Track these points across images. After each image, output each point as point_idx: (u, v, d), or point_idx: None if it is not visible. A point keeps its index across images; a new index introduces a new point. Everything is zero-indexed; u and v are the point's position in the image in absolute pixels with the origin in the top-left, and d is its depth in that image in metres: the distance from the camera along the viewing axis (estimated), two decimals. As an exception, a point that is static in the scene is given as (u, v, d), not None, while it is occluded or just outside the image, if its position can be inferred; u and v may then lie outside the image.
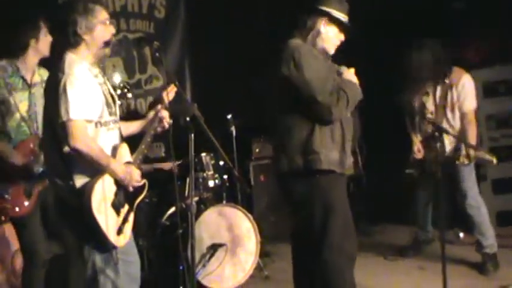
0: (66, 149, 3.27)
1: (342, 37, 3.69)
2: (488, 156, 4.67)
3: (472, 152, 4.85)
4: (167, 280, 5.09)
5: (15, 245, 4.58)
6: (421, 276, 5.21)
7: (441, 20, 6.55)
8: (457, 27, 6.53)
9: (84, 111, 3.24)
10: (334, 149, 3.56)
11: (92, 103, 3.30)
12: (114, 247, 3.35)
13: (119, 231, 3.38)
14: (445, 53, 5.17)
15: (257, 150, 6.66)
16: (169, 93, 3.76)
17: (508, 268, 5.08)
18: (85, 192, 3.25)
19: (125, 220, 3.43)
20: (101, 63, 3.60)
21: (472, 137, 5.07)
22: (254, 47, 6.63)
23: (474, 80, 6.31)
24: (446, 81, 5.15)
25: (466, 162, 4.87)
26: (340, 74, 3.66)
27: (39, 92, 4.26)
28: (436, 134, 4.17)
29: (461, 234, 6.13)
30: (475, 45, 6.62)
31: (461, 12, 6.60)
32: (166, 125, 3.71)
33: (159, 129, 3.68)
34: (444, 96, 5.18)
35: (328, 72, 3.56)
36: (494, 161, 4.60)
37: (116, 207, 3.39)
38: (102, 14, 3.40)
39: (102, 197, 3.28)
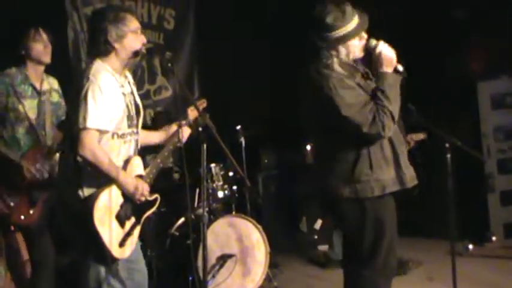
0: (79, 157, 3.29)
1: (362, 36, 3.35)
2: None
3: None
4: (176, 291, 5.11)
5: (24, 254, 4.57)
6: (430, 288, 5.23)
7: (447, 33, 6.58)
8: (463, 39, 6.55)
9: (100, 121, 3.21)
10: (388, 168, 3.31)
11: (111, 114, 3.28)
12: (115, 259, 3.32)
13: (122, 243, 3.34)
14: None
15: (266, 161, 6.68)
16: (194, 110, 3.73)
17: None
18: (89, 202, 3.23)
19: (129, 233, 3.40)
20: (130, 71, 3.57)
21: None
22: (263, 58, 6.66)
23: (482, 92, 6.36)
24: None
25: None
26: (373, 48, 3.33)
27: (48, 100, 4.28)
28: (447, 144, 4.18)
29: (471, 246, 6.13)
30: (482, 56, 6.63)
31: (466, 24, 6.62)
32: (183, 141, 3.69)
33: (178, 144, 3.67)
34: None
35: (364, 96, 3.27)
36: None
37: (121, 219, 3.36)
38: (133, 23, 3.36)
39: (106, 208, 3.26)
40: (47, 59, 4.26)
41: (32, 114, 4.19)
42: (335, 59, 3.31)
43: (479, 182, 6.52)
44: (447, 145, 4.20)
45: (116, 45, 3.33)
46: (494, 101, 6.54)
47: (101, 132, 3.25)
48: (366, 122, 3.19)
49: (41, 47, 4.22)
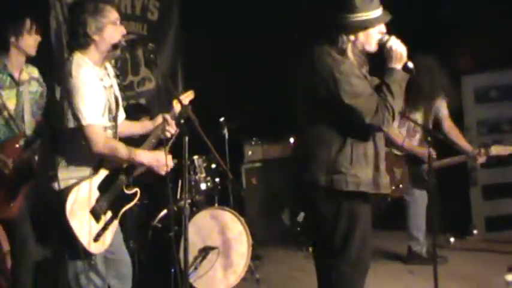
0: (60, 149, 3.31)
1: (381, 28, 3.30)
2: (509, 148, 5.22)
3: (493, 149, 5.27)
4: (158, 283, 5.09)
5: (5, 246, 4.55)
6: (411, 281, 5.24)
7: (431, 26, 6.59)
8: (448, 33, 6.57)
9: (95, 114, 3.25)
10: (366, 168, 3.31)
11: (96, 107, 3.30)
12: (89, 254, 3.33)
13: (96, 238, 3.34)
14: (440, 69, 5.42)
15: (249, 153, 6.68)
16: (183, 101, 3.72)
17: (497, 273, 5.10)
18: (63, 195, 3.24)
19: (105, 228, 3.40)
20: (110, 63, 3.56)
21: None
22: (248, 50, 6.64)
23: (466, 85, 6.38)
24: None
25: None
26: (384, 43, 3.27)
27: (26, 90, 4.24)
28: (429, 139, 4.20)
29: (452, 239, 6.17)
30: (465, 51, 6.65)
31: (451, 18, 6.63)
32: (169, 135, 3.63)
33: (161, 136, 3.65)
34: (430, 109, 5.54)
35: (370, 87, 3.27)
36: None
37: (96, 213, 3.36)
38: (112, 14, 3.34)
39: (79, 202, 3.27)
40: (33, 52, 4.24)
41: (11, 105, 4.16)
42: (350, 46, 3.28)
43: (462, 176, 6.55)
44: (429, 139, 4.23)
45: (95, 38, 3.32)
46: (478, 95, 6.56)
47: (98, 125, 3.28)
48: (370, 112, 3.19)
49: (33, 41, 4.20)
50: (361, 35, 3.27)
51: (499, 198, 6.50)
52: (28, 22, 4.17)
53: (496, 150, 5.26)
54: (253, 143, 6.74)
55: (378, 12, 3.27)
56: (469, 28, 6.42)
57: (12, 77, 4.19)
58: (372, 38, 3.28)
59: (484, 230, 6.49)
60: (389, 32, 3.32)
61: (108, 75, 3.52)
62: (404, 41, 3.30)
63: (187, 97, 3.94)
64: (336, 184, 3.27)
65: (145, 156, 3.38)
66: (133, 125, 3.82)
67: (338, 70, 3.20)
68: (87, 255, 3.31)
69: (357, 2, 3.23)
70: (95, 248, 3.33)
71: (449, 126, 5.62)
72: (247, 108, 6.58)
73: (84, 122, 3.20)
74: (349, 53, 3.27)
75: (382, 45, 3.29)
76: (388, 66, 3.29)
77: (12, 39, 4.16)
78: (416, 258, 5.62)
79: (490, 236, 6.35)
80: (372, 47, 3.30)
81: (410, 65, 3.28)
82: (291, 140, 6.60)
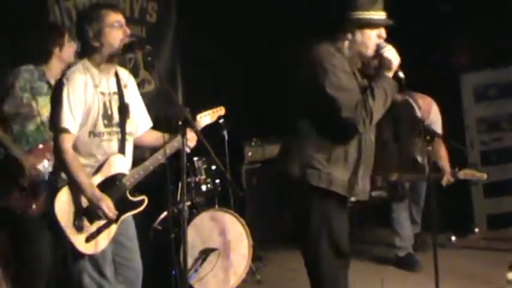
0: None
1: (381, 32, 3.31)
2: (478, 174, 5.29)
3: (461, 172, 5.36)
4: (159, 285, 5.08)
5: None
6: (413, 280, 5.24)
7: (431, 24, 6.59)
8: (447, 31, 6.57)
9: (70, 122, 3.30)
10: (343, 171, 3.31)
11: (80, 113, 3.32)
12: (81, 253, 3.35)
13: (89, 239, 3.35)
14: None
15: (249, 154, 6.67)
16: (207, 116, 3.86)
17: (499, 271, 5.09)
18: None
19: (99, 230, 3.40)
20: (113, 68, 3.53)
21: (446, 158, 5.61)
22: (246, 52, 6.64)
23: (465, 83, 6.40)
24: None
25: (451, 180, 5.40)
26: (380, 48, 3.27)
27: None
28: (428, 137, 4.20)
29: (453, 238, 6.17)
30: (465, 49, 6.65)
31: (450, 16, 6.64)
32: (189, 150, 3.59)
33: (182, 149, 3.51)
34: None
35: (356, 86, 3.28)
36: (485, 176, 5.23)
37: (89, 215, 3.36)
38: (109, 18, 3.35)
39: (70, 201, 3.32)
40: (72, 59, 4.35)
41: (46, 112, 4.19)
42: (347, 43, 3.31)
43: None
44: (428, 137, 4.22)
45: (95, 44, 3.36)
46: (477, 93, 6.57)
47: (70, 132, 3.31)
48: (348, 108, 3.19)
49: (72, 50, 4.34)
50: (359, 35, 3.28)
51: (501, 196, 6.51)
52: (67, 34, 4.31)
53: (463, 174, 5.37)
54: (253, 143, 6.73)
55: (379, 14, 3.29)
56: (467, 26, 6.42)
57: (50, 84, 4.25)
58: (369, 40, 3.29)
59: (486, 227, 6.49)
60: (391, 36, 3.33)
61: (118, 82, 3.53)
62: (404, 38, 3.32)
63: (216, 112, 3.95)
64: (308, 178, 3.28)
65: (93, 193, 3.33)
66: (158, 138, 3.76)
67: (329, 61, 3.23)
68: (80, 254, 3.34)
69: (360, 0, 3.27)
70: (85, 248, 3.35)
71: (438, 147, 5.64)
72: (247, 109, 6.58)
73: (57, 127, 3.29)
74: (345, 50, 3.30)
75: (377, 51, 3.29)
76: (378, 72, 3.31)
77: (56, 50, 4.28)
78: (404, 263, 5.60)
79: (492, 234, 6.35)
80: (369, 50, 3.31)
81: (401, 74, 3.29)
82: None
